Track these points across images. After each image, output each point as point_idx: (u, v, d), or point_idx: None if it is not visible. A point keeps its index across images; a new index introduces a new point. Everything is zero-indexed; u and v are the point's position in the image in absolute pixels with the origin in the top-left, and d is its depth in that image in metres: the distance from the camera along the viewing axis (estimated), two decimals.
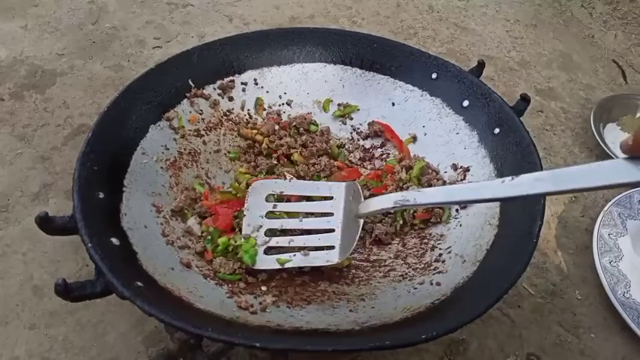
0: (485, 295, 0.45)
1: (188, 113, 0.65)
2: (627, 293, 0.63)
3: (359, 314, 0.50)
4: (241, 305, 0.49)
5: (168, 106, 0.63)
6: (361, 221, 0.53)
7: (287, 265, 0.53)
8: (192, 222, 0.57)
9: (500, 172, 0.59)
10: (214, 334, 0.41)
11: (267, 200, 0.57)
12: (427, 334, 0.42)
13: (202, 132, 0.65)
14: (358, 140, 0.71)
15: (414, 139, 0.69)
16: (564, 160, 0.83)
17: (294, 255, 0.54)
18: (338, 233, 0.54)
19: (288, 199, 0.58)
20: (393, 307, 0.50)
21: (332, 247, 0.53)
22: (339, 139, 0.71)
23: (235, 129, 0.68)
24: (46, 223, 0.46)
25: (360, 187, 0.57)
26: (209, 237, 0.56)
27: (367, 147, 0.71)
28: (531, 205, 0.52)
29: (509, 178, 0.43)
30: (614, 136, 0.85)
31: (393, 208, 0.51)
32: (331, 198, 0.56)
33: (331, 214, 0.55)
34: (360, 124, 0.72)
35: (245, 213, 0.56)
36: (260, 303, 0.50)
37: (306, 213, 0.56)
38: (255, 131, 0.68)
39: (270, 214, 0.56)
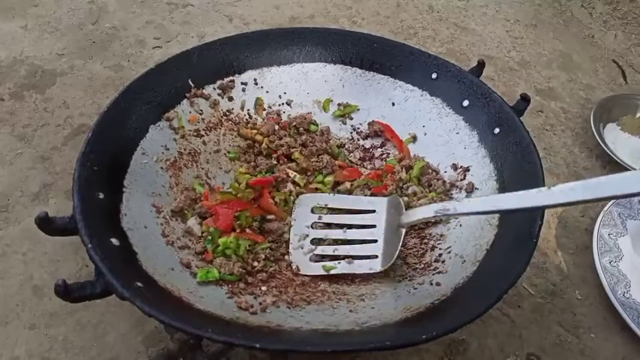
0: (486, 295, 0.45)
1: (188, 113, 0.65)
2: (627, 293, 0.63)
3: (359, 314, 0.50)
4: (241, 306, 0.49)
5: (168, 106, 0.63)
6: (403, 231, 0.55)
7: (332, 272, 0.55)
8: (193, 222, 0.57)
9: (500, 172, 0.59)
10: (214, 334, 0.41)
11: (312, 212, 0.60)
12: (427, 334, 0.42)
13: (202, 132, 0.65)
14: (358, 140, 0.71)
15: (414, 139, 0.69)
16: (564, 160, 0.83)
17: (339, 263, 0.56)
18: (380, 243, 0.56)
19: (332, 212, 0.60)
20: (393, 307, 0.50)
21: (375, 257, 0.55)
22: (339, 139, 0.71)
23: (235, 129, 0.68)
24: (46, 224, 0.46)
25: (402, 201, 0.58)
26: (209, 237, 0.56)
27: (367, 147, 0.71)
28: None
29: (544, 188, 0.44)
30: (614, 136, 0.85)
31: (434, 217, 0.52)
32: (373, 211, 0.58)
33: (374, 226, 0.57)
34: (360, 124, 0.72)
35: (292, 224, 0.59)
36: (260, 303, 0.50)
37: (350, 225, 0.58)
38: (255, 131, 0.68)
39: (315, 225, 0.59)
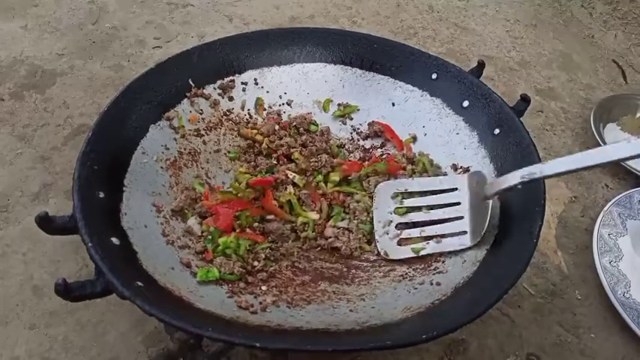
0: (486, 295, 0.45)
1: (188, 113, 0.65)
2: (627, 293, 0.63)
3: (359, 314, 0.50)
4: (241, 305, 0.49)
5: (168, 105, 0.63)
6: (490, 202, 0.54)
7: (422, 253, 0.55)
8: (193, 222, 0.57)
9: (501, 173, 0.59)
10: (214, 333, 0.41)
11: (392, 198, 0.60)
12: (427, 334, 0.42)
13: (202, 132, 0.65)
14: (358, 140, 0.71)
15: (414, 139, 0.69)
16: None
17: (428, 243, 0.56)
18: (467, 219, 0.55)
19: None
20: (393, 307, 0.50)
21: (464, 233, 0.55)
22: (339, 139, 0.71)
23: (235, 129, 0.68)
24: (46, 223, 0.46)
25: (484, 174, 0.57)
26: (209, 237, 0.56)
27: (367, 147, 0.71)
28: (531, 205, 0.52)
29: (627, 140, 0.46)
30: (614, 136, 0.85)
31: (521, 182, 0.51)
32: (456, 189, 0.58)
33: (458, 204, 0.57)
34: (360, 124, 0.72)
35: (374, 212, 0.60)
36: (260, 303, 0.50)
37: (433, 206, 0.58)
38: (255, 131, 0.68)
39: (398, 210, 0.59)
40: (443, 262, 0.56)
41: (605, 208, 0.72)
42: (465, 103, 0.65)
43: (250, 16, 1.02)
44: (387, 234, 0.58)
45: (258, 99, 0.70)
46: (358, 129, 0.72)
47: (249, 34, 0.72)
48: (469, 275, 0.51)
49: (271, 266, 0.56)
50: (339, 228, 0.60)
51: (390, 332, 0.46)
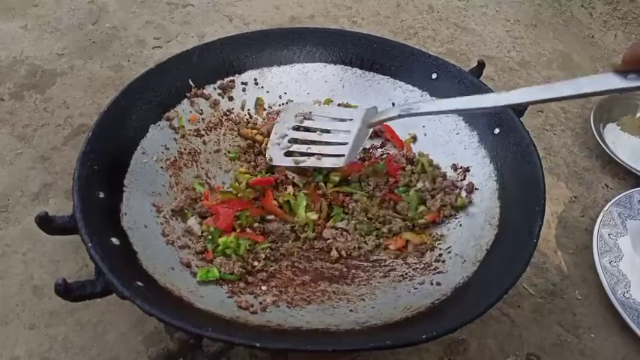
0: (486, 295, 0.45)
1: (188, 113, 0.65)
2: (627, 293, 0.63)
3: (359, 314, 0.50)
4: (241, 305, 0.49)
5: (168, 105, 0.63)
6: (370, 130, 0.61)
7: (301, 165, 0.61)
8: (193, 222, 0.57)
9: (500, 173, 0.59)
10: (214, 333, 0.41)
11: (295, 117, 0.65)
12: (427, 334, 0.42)
13: (202, 132, 0.65)
14: None
15: (414, 139, 0.69)
16: (564, 160, 0.83)
17: (309, 158, 0.60)
18: (349, 146, 0.61)
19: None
20: (393, 307, 0.50)
21: (342, 155, 0.60)
22: None
23: (235, 129, 0.68)
24: (46, 223, 0.46)
25: (377, 109, 0.63)
26: (209, 237, 0.56)
27: (367, 147, 0.70)
28: (531, 205, 0.52)
29: (504, 91, 0.50)
30: (614, 136, 0.85)
31: (399, 116, 0.57)
32: (351, 120, 0.63)
33: (348, 132, 0.62)
34: None
35: (275, 124, 0.65)
36: (260, 303, 0.50)
37: (325, 129, 0.64)
38: (255, 131, 0.68)
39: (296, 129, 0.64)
40: (443, 262, 0.56)
41: (605, 208, 0.72)
42: None
43: (250, 16, 1.02)
44: (279, 144, 0.63)
45: (258, 99, 0.70)
46: None
47: (249, 34, 0.72)
48: (469, 275, 0.51)
49: (271, 266, 0.56)
50: (337, 229, 0.60)
51: (389, 332, 0.46)
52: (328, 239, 0.59)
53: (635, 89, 0.40)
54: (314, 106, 0.67)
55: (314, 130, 0.64)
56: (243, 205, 0.58)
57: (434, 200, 0.61)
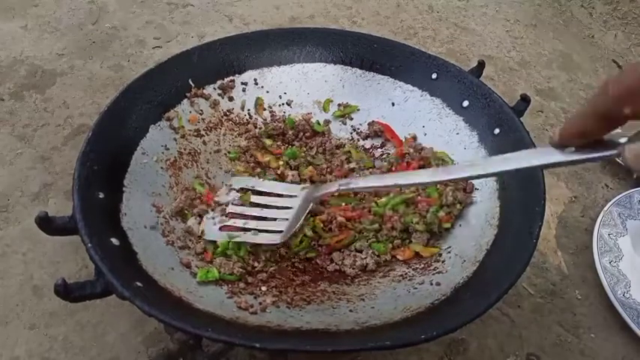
0: (485, 295, 0.45)
1: (188, 113, 0.65)
2: (627, 293, 0.63)
3: (359, 314, 0.49)
4: (241, 305, 0.49)
5: (168, 105, 0.63)
6: (310, 205, 0.58)
7: (235, 240, 0.56)
8: (193, 222, 0.57)
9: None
10: (214, 334, 0.41)
11: (237, 191, 0.61)
12: (427, 334, 0.42)
13: (202, 132, 0.65)
14: (358, 140, 0.71)
15: (414, 139, 0.68)
16: None
17: (245, 233, 0.57)
18: (288, 223, 0.57)
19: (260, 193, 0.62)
20: (393, 307, 0.50)
21: (280, 232, 0.57)
22: (339, 139, 0.71)
23: (235, 129, 0.68)
24: (46, 223, 0.46)
25: (320, 185, 0.60)
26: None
27: (367, 147, 0.70)
28: (531, 205, 0.52)
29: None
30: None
31: (337, 190, 0.56)
32: (295, 196, 0.60)
33: (289, 208, 0.59)
34: (360, 124, 0.72)
35: (217, 195, 0.61)
36: (260, 303, 0.50)
37: (268, 205, 0.60)
38: (270, 157, 0.67)
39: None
40: (443, 262, 0.56)
41: (605, 208, 0.72)
42: (465, 103, 0.65)
43: (250, 16, 1.02)
44: (214, 218, 0.59)
45: (258, 99, 0.70)
46: (358, 129, 0.71)
47: (249, 34, 0.72)
48: (469, 275, 0.51)
49: (271, 267, 0.56)
50: (350, 251, 0.59)
51: (389, 332, 0.46)
52: (335, 262, 0.58)
53: (571, 163, 0.41)
54: (258, 180, 0.64)
55: (255, 205, 0.60)
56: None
57: (445, 194, 0.59)
